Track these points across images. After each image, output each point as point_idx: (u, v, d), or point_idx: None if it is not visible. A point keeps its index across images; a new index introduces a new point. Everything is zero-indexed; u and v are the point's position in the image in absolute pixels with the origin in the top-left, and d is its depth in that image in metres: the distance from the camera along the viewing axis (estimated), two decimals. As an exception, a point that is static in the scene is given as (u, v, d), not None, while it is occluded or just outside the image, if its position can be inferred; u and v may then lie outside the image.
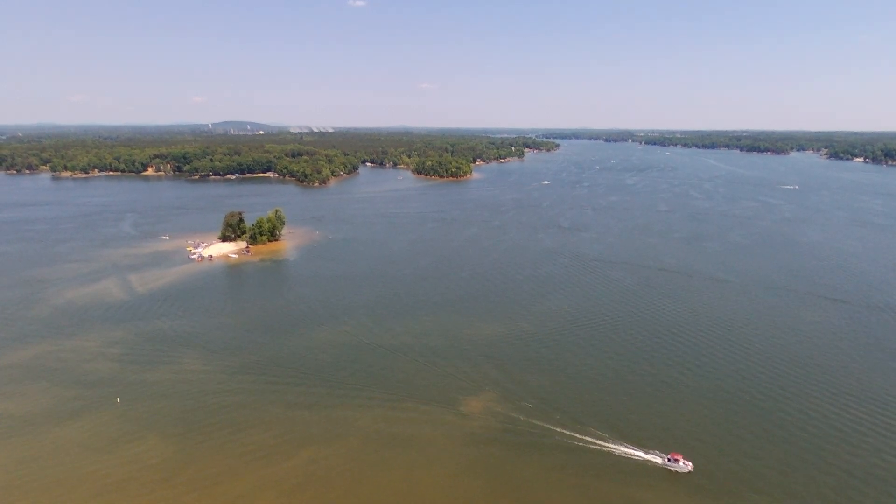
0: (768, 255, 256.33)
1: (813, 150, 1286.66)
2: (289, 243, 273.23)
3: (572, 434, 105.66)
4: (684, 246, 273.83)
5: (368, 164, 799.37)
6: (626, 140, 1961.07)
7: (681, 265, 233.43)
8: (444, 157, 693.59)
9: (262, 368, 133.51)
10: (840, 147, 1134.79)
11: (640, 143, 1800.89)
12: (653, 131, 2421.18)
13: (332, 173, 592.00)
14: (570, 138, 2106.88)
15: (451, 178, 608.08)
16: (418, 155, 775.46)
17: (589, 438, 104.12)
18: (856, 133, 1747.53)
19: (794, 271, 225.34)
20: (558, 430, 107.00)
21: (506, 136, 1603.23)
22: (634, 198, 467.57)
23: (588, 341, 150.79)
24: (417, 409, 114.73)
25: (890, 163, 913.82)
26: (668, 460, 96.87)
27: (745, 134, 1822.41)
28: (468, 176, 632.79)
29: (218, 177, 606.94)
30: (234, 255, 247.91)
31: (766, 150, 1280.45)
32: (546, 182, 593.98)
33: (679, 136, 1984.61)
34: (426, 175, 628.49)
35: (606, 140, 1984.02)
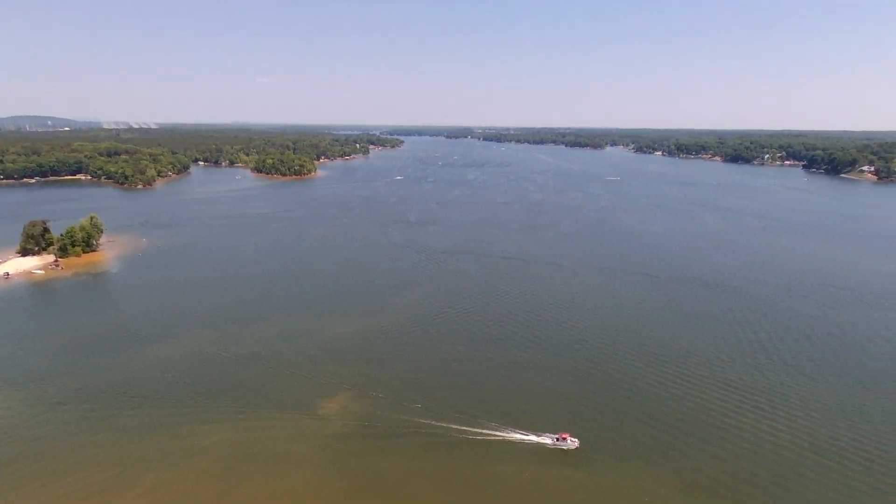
0: (593, 239, 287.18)
1: (623, 145, 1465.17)
2: (110, 253, 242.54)
3: (437, 423, 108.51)
4: (522, 235, 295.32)
5: (201, 163, 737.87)
6: (465, 137, 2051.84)
7: (521, 253, 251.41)
8: (286, 154, 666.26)
9: (85, 396, 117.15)
10: (644, 142, 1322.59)
11: (479, 139, 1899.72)
12: (490, 128, 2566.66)
13: (159, 174, 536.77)
14: (414, 135, 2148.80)
15: (294, 177, 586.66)
16: (257, 153, 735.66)
17: (449, 425, 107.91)
18: (656, 130, 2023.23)
19: (615, 253, 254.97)
20: (423, 420, 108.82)
21: (350, 133, 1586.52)
22: (476, 191, 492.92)
23: (443, 332, 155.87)
24: (273, 418, 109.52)
25: (682, 155, 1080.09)
26: (558, 440, 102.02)
27: (569, 131, 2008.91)
28: (313, 174, 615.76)
29: (11, 180, 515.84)
30: (38, 271, 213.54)
31: (587, 145, 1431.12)
32: (399, 177, 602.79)
33: (513, 132, 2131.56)
34: (268, 174, 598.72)
35: (448, 137, 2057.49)
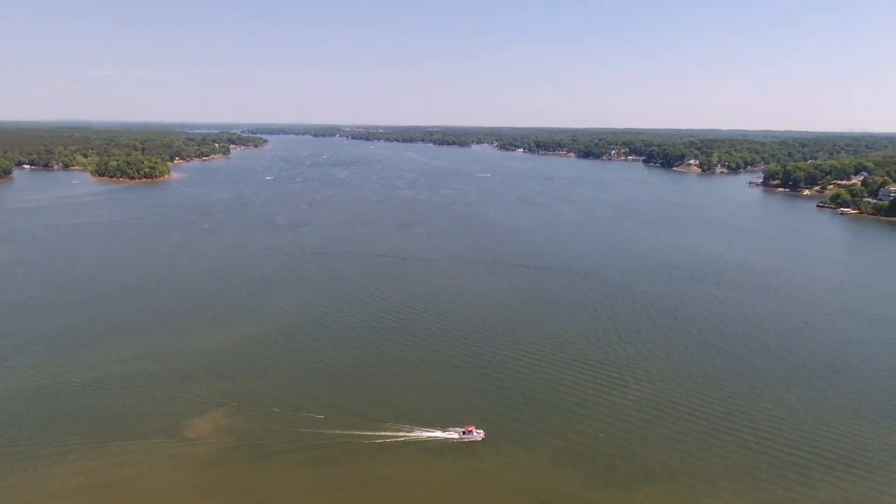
0: (464, 233, 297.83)
1: (488, 143, 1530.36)
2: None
3: (334, 432, 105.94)
4: (396, 232, 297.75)
5: (27, 165, 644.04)
6: (333, 135, 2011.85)
7: (395, 250, 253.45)
8: (133, 155, 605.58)
9: None
10: (506, 140, 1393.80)
11: (348, 137, 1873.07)
12: (358, 126, 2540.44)
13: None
14: (279, 133, 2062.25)
15: (144, 180, 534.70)
16: (98, 154, 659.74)
17: (348, 431, 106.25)
18: (517, 129, 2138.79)
19: (484, 246, 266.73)
20: (319, 430, 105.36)
21: (207, 131, 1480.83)
22: (347, 190, 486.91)
23: (325, 335, 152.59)
24: (134, 446, 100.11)
25: (540, 152, 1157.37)
26: (464, 433, 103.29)
27: (436, 129, 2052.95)
28: (166, 176, 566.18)
29: None
30: None
31: (454, 143, 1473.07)
32: (269, 177, 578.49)
33: (382, 131, 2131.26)
34: (112, 177, 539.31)
35: (315, 135, 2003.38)
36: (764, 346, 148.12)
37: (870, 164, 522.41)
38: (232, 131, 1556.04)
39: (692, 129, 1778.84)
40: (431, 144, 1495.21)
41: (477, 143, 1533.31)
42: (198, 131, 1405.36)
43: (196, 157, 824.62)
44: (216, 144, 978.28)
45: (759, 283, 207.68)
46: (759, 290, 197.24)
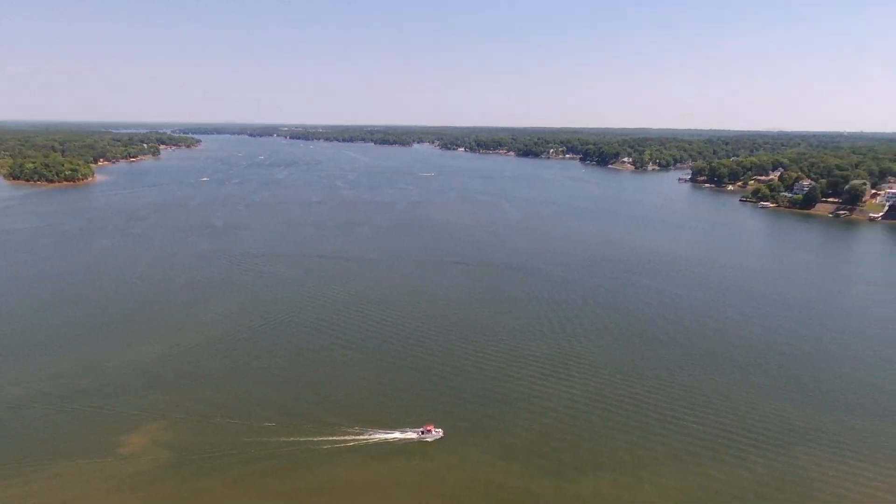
0: (408, 233, 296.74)
1: (430, 142, 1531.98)
2: None
3: (287, 439, 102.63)
4: (338, 233, 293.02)
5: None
6: (271, 135, 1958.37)
7: (338, 251, 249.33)
8: (51, 156, 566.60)
9: None
10: (448, 139, 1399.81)
11: (286, 137, 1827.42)
12: (297, 126, 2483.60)
13: None
14: (213, 133, 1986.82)
15: (66, 183, 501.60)
16: (12, 155, 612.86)
17: (302, 438, 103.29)
18: (458, 128, 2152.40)
19: (428, 245, 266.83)
20: (270, 439, 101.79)
21: (135, 131, 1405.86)
22: (286, 191, 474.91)
23: (266, 340, 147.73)
24: (63, 468, 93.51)
25: (481, 151, 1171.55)
26: (423, 433, 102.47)
27: (377, 129, 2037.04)
28: (90, 179, 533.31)
29: None
30: None
31: (395, 142, 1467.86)
32: (205, 178, 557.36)
33: (321, 130, 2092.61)
34: (29, 180, 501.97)
35: (251, 135, 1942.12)
36: (699, 334, 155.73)
37: (785, 161, 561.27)
38: (162, 131, 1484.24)
39: (625, 129, 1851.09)
40: (372, 144, 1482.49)
41: (418, 143, 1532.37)
42: (124, 131, 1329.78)
43: (123, 158, 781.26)
44: (144, 145, 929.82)
45: (691, 273, 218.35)
46: (691, 281, 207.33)
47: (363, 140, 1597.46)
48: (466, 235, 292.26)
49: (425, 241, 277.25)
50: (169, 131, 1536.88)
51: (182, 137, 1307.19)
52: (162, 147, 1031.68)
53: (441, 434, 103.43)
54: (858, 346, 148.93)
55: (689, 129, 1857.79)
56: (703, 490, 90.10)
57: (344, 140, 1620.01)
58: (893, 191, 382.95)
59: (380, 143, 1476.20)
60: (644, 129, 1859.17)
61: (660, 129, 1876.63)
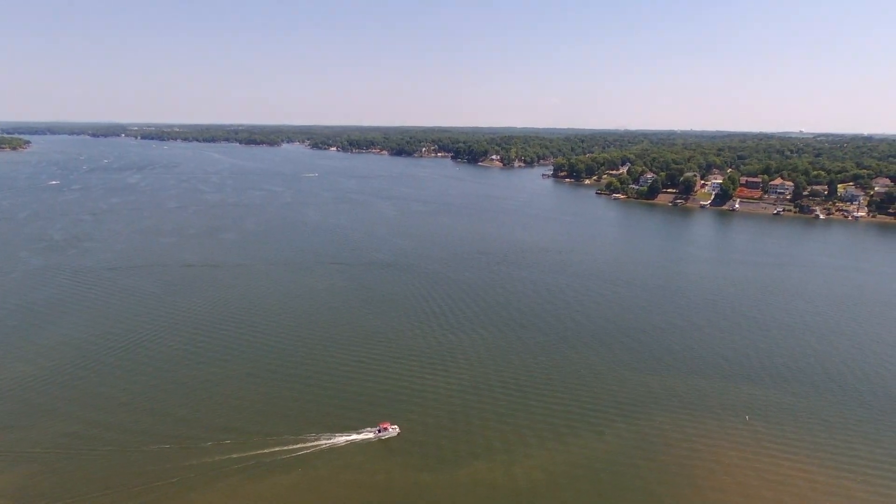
0: (280, 236, 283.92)
1: (299, 141, 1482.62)
2: None
3: (227, 456, 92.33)
4: (203, 240, 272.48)
5: None
6: (118, 135, 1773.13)
7: (203, 258, 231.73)
8: None
9: None
10: (319, 139, 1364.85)
11: (136, 138, 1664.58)
12: (149, 125, 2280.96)
13: None
14: (44, 133, 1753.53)
15: None
16: None
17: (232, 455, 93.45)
18: (328, 127, 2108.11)
19: (303, 247, 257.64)
20: (206, 460, 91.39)
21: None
22: (140, 197, 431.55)
23: (125, 361, 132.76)
24: None
25: (354, 150, 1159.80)
26: (379, 431, 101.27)
27: (241, 128, 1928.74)
28: None
29: None
30: None
31: (262, 142, 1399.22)
32: (54, 182, 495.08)
33: (178, 130, 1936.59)
34: None
35: (94, 135, 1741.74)
36: (570, 318, 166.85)
37: (632, 157, 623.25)
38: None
39: (492, 127, 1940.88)
40: (237, 144, 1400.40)
41: (287, 142, 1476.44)
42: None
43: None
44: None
45: (557, 261, 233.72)
46: (558, 269, 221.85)
47: (227, 140, 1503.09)
48: (343, 236, 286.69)
49: (300, 243, 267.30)
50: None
51: (6, 138, 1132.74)
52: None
53: (398, 431, 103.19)
54: (699, 319, 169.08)
55: (548, 128, 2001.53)
56: (585, 458, 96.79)
57: (205, 140, 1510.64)
58: (718, 181, 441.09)
59: (246, 144, 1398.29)
60: (508, 127, 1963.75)
61: (523, 127, 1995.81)
